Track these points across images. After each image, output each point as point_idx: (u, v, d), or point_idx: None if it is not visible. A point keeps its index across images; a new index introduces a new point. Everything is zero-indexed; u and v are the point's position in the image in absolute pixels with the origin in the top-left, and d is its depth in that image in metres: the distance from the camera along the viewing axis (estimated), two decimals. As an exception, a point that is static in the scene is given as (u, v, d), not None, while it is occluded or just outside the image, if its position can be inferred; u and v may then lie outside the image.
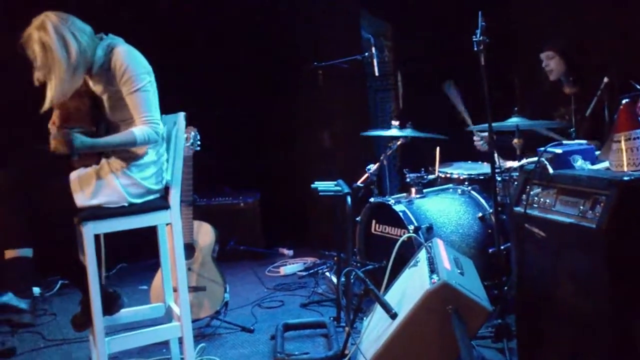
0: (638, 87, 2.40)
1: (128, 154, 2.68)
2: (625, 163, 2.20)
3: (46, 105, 2.57)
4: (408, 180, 3.78)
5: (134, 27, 3.05)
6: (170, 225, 2.76)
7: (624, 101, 2.26)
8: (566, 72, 3.76)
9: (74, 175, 2.64)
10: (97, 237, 2.64)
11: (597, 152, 2.53)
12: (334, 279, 3.86)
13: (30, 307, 2.52)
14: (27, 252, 2.55)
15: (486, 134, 3.58)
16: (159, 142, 2.77)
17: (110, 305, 2.88)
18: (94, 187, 2.62)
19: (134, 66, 2.63)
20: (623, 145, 2.22)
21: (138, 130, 2.60)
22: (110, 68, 2.64)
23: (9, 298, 2.51)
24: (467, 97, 3.88)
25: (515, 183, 2.98)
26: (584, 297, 2.19)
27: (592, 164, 2.39)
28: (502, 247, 3.21)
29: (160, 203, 2.75)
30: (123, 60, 2.62)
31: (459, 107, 3.90)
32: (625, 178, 2.09)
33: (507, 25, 4.63)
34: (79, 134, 2.52)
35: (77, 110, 2.66)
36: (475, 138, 3.95)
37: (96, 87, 2.73)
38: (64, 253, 2.76)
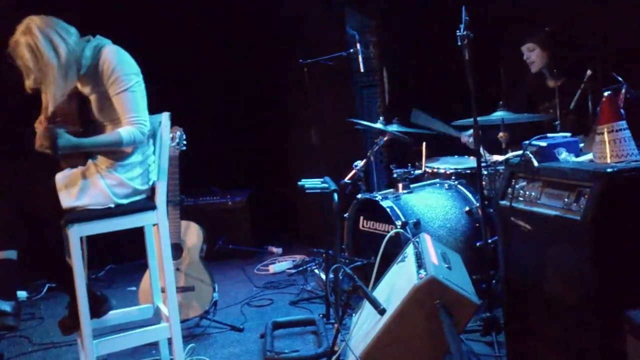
0: (620, 79, 2.42)
1: (114, 155, 2.67)
2: (608, 155, 2.22)
3: (50, 108, 2.56)
4: (395, 175, 3.79)
5: (119, 27, 3.02)
6: (157, 226, 2.75)
7: (606, 93, 2.27)
8: (548, 65, 3.78)
9: (59, 177, 2.62)
10: (94, 236, 2.63)
11: (581, 145, 2.54)
12: (323, 276, 3.86)
13: (14, 309, 2.50)
14: (12, 254, 2.53)
15: (472, 130, 3.60)
16: (144, 143, 2.76)
17: (98, 308, 2.86)
18: (80, 187, 2.60)
19: (121, 66, 2.61)
20: (606, 137, 2.23)
21: (124, 131, 2.59)
22: (98, 69, 2.62)
23: None
24: (434, 115, 3.91)
25: (501, 177, 2.99)
26: (571, 288, 2.20)
27: (576, 156, 2.41)
28: (489, 241, 3.23)
29: (147, 204, 2.73)
30: (111, 61, 2.60)
31: (435, 127, 3.92)
32: (609, 170, 2.10)
33: (492, 19, 4.64)
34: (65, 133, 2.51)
35: (64, 110, 2.64)
36: (463, 138, 3.97)
37: (84, 88, 2.71)
38: (50, 255, 2.75)
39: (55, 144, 2.43)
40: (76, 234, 2.55)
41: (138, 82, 2.66)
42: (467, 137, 3.95)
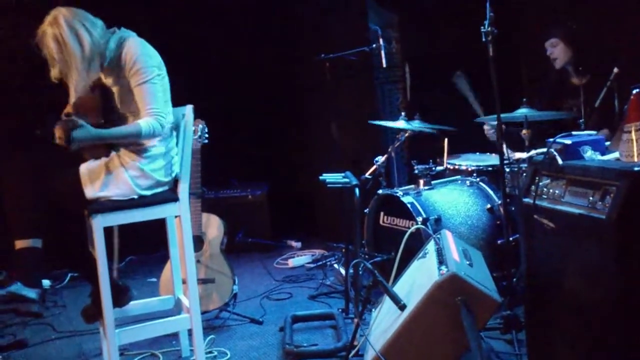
0: (648, 77, 2.38)
1: (137, 147, 2.69)
2: (635, 153, 2.19)
3: (71, 99, 2.60)
4: (416, 171, 3.77)
5: (144, 21, 3.05)
6: (179, 218, 2.77)
7: (634, 91, 2.24)
8: (573, 61, 3.73)
9: (83, 168, 2.66)
10: (110, 228, 2.65)
11: (607, 143, 2.51)
12: (342, 271, 3.86)
13: (39, 297, 2.55)
14: (37, 242, 2.58)
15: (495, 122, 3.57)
16: (168, 135, 2.78)
17: (120, 297, 2.90)
18: (103, 179, 2.63)
19: (144, 58, 2.64)
20: (634, 135, 2.20)
21: (144, 122, 2.61)
22: (120, 60, 2.65)
23: (18, 287, 2.54)
24: (477, 88, 3.86)
25: (524, 174, 2.97)
26: (593, 288, 2.18)
27: (602, 154, 2.38)
28: (510, 239, 3.21)
29: (169, 195, 2.76)
30: (134, 52, 2.63)
31: (469, 98, 3.88)
32: (636, 168, 2.07)
33: (517, 15, 4.61)
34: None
35: (87, 102, 2.67)
36: (485, 127, 3.92)
37: (107, 80, 2.75)
38: (74, 245, 2.79)
39: (70, 136, 2.45)
40: (99, 224, 2.58)
41: (160, 75, 2.68)
42: (489, 127, 3.89)
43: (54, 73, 2.58)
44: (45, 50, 2.56)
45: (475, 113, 3.82)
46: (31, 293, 2.53)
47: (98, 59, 2.62)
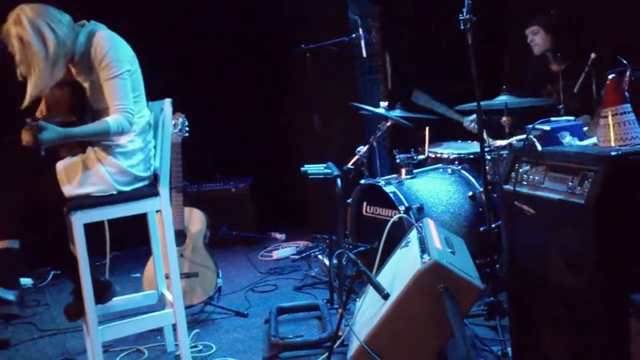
0: (625, 62, 2.39)
1: (113, 142, 2.66)
2: (612, 138, 2.20)
3: (26, 100, 2.55)
4: (398, 161, 3.78)
5: (119, 13, 3.01)
6: (160, 212, 2.76)
7: (610, 76, 2.25)
8: (552, 48, 3.75)
9: (60, 166, 2.62)
10: (101, 224, 2.63)
11: (585, 129, 2.53)
12: (327, 262, 3.86)
13: (17, 298, 2.51)
14: (14, 243, 2.54)
15: (474, 116, 3.59)
16: (145, 129, 2.75)
17: (102, 294, 2.88)
18: (81, 176, 2.60)
19: (113, 52, 2.59)
20: (610, 120, 2.21)
21: (112, 120, 2.57)
22: (90, 54, 2.60)
23: None
24: (437, 95, 3.89)
25: (505, 161, 2.98)
26: (575, 272, 2.20)
27: (580, 140, 2.39)
28: (493, 226, 3.23)
29: (149, 190, 2.74)
30: (103, 46, 2.58)
31: (437, 110, 3.91)
32: (613, 153, 2.09)
33: (497, 3, 4.61)
34: (56, 124, 2.49)
35: (57, 100, 2.63)
36: (465, 123, 3.95)
37: (79, 76, 2.70)
38: (54, 243, 2.76)
39: (37, 139, 2.40)
40: (79, 220, 2.56)
41: (129, 71, 2.63)
42: (469, 122, 3.93)
43: (20, 69, 2.54)
44: (11, 48, 2.51)
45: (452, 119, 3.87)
46: (9, 295, 2.49)
47: (63, 58, 2.56)
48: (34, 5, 2.54)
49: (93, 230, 2.81)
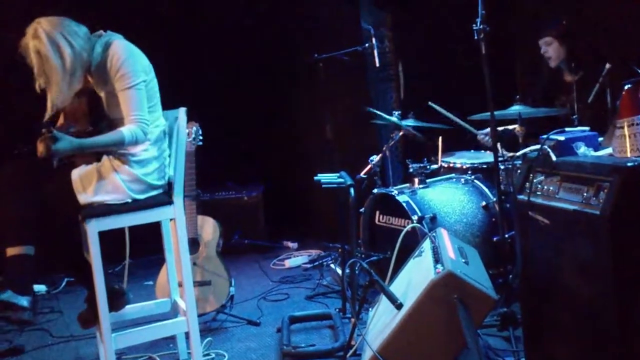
0: (640, 72, 2.39)
1: (129, 150, 2.68)
2: (628, 149, 2.19)
3: (48, 112, 2.57)
4: (411, 170, 3.78)
5: (135, 23, 3.04)
6: (174, 221, 2.77)
7: (626, 87, 2.25)
8: (566, 59, 3.74)
9: (75, 174, 2.63)
10: (114, 231, 2.65)
11: (600, 139, 2.52)
12: (339, 271, 3.86)
13: (30, 304, 2.52)
14: (29, 249, 2.55)
15: (488, 129, 3.58)
16: (160, 138, 2.77)
17: (116, 301, 2.88)
18: (96, 184, 2.61)
19: (129, 62, 2.61)
20: (626, 131, 2.21)
21: (126, 130, 2.58)
22: (106, 64, 2.63)
23: (9, 295, 2.51)
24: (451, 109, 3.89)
25: (518, 171, 2.97)
26: (589, 283, 2.18)
27: (595, 150, 2.38)
28: (506, 236, 3.22)
29: (164, 198, 2.75)
30: (119, 56, 2.60)
31: (452, 118, 3.91)
32: (629, 164, 2.08)
33: (509, 13, 4.61)
34: (72, 133, 2.51)
35: (74, 109, 2.65)
36: (479, 137, 3.95)
37: (96, 85, 2.73)
38: (68, 251, 2.77)
39: (50, 151, 2.42)
40: (94, 228, 2.57)
41: (145, 81, 2.65)
42: (483, 135, 3.92)
43: (39, 82, 2.56)
44: (29, 61, 2.54)
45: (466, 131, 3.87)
46: (22, 301, 2.50)
47: (81, 70, 2.58)
48: (51, 19, 2.56)
49: (107, 238, 2.83)
